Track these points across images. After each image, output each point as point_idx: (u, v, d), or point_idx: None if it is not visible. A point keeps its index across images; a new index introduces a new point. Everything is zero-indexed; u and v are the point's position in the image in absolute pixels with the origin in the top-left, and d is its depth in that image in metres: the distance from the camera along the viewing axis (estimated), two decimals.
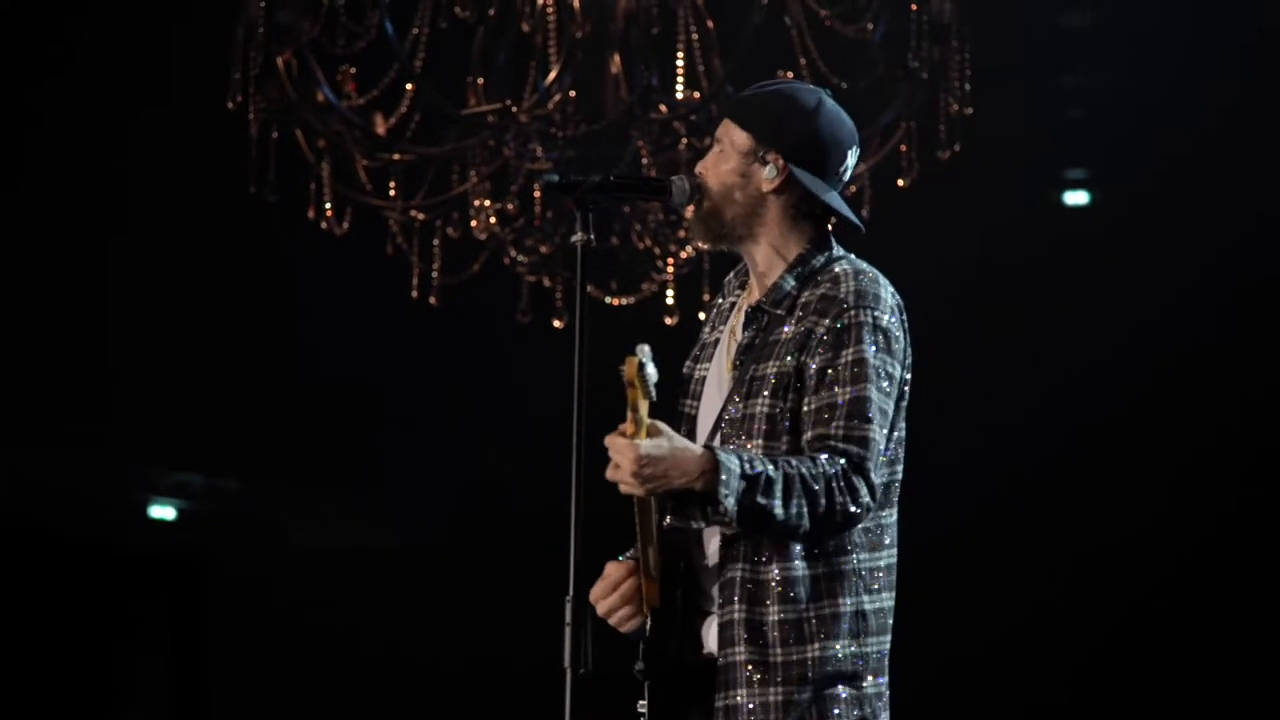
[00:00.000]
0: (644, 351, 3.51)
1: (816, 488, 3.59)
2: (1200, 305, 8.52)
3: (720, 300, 4.09)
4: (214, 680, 9.57)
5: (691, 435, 3.86)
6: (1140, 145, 8.52)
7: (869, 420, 3.67)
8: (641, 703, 3.82)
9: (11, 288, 8.65)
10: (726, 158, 3.88)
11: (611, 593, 3.85)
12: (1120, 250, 8.69)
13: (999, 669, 8.55)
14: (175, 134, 8.31)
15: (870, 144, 7.06)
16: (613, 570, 3.88)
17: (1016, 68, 8.27)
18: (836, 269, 3.80)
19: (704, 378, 3.94)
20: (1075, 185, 9.17)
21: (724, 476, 3.55)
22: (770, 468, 3.59)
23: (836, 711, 3.70)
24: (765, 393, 3.74)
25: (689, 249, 7.26)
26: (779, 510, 3.57)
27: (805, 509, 3.59)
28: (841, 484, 3.62)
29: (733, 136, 3.88)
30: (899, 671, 3.85)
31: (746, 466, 3.57)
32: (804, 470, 3.60)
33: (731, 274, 4.08)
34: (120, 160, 8.49)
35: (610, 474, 3.60)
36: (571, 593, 3.68)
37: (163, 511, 9.77)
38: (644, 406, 3.54)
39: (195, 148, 8.22)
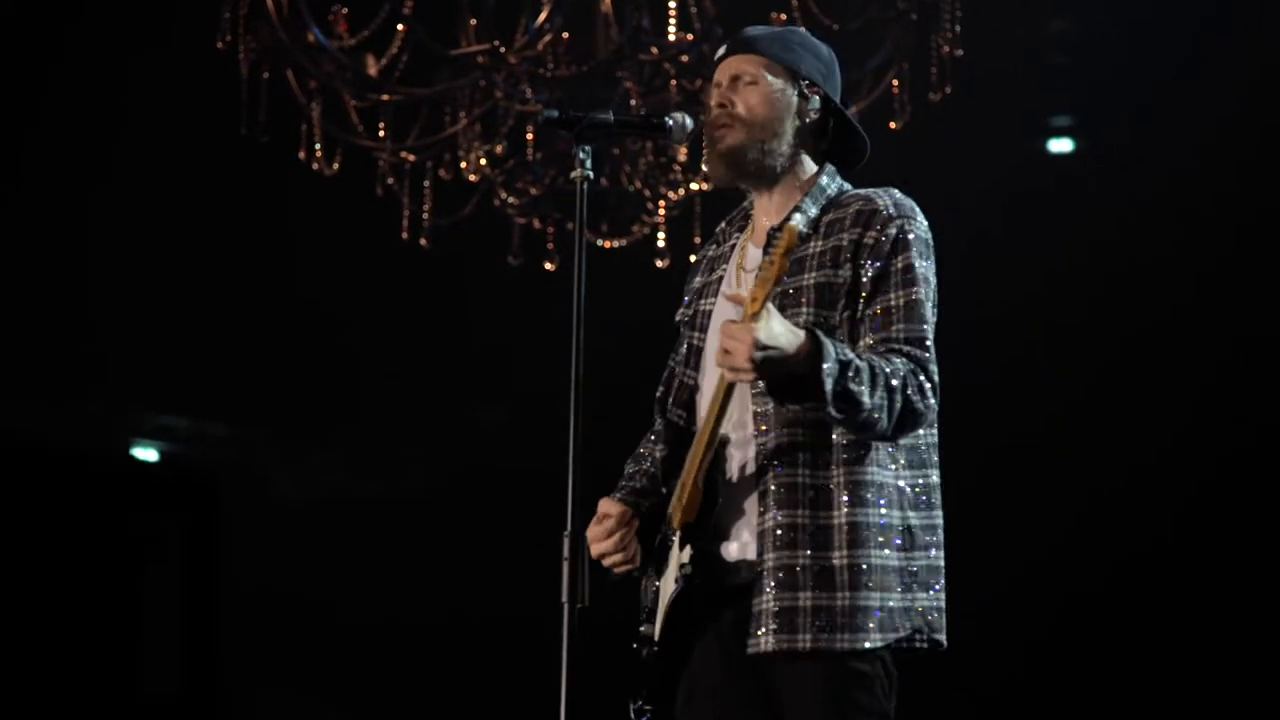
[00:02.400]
0: (800, 220, 3.66)
1: (894, 383, 3.69)
2: (1186, 256, 8.53)
3: (710, 249, 4.16)
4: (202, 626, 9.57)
5: (699, 366, 3.99)
6: (1126, 94, 8.51)
7: (925, 322, 3.82)
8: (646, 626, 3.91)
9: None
10: (762, 89, 3.96)
11: (607, 538, 3.93)
12: (1106, 198, 8.69)
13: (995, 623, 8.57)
14: (163, 74, 8.27)
15: (861, 86, 7.09)
16: (612, 512, 3.95)
17: (1003, 13, 8.24)
18: (861, 190, 3.96)
19: (709, 311, 4.01)
20: (1060, 133, 9.17)
21: (824, 357, 3.60)
22: (857, 357, 3.67)
23: (885, 616, 3.78)
24: (806, 303, 3.83)
25: (680, 191, 7.28)
26: (866, 398, 3.65)
27: (885, 401, 3.68)
28: (913, 381, 3.73)
29: (760, 70, 3.96)
30: None
31: (839, 351, 3.64)
32: (883, 365, 3.70)
33: (724, 222, 4.17)
34: (108, 101, 8.45)
35: (720, 360, 3.62)
36: (569, 528, 3.70)
37: (145, 454, 9.74)
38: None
39: (183, 87, 8.18)
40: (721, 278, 4.03)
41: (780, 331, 3.58)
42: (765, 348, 3.55)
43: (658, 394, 4.13)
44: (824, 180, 3.98)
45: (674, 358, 4.12)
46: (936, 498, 3.88)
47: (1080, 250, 8.68)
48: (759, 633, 3.77)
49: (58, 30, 8.31)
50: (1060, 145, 9.21)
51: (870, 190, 3.93)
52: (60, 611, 8.84)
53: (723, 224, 4.17)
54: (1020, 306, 8.67)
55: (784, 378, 3.62)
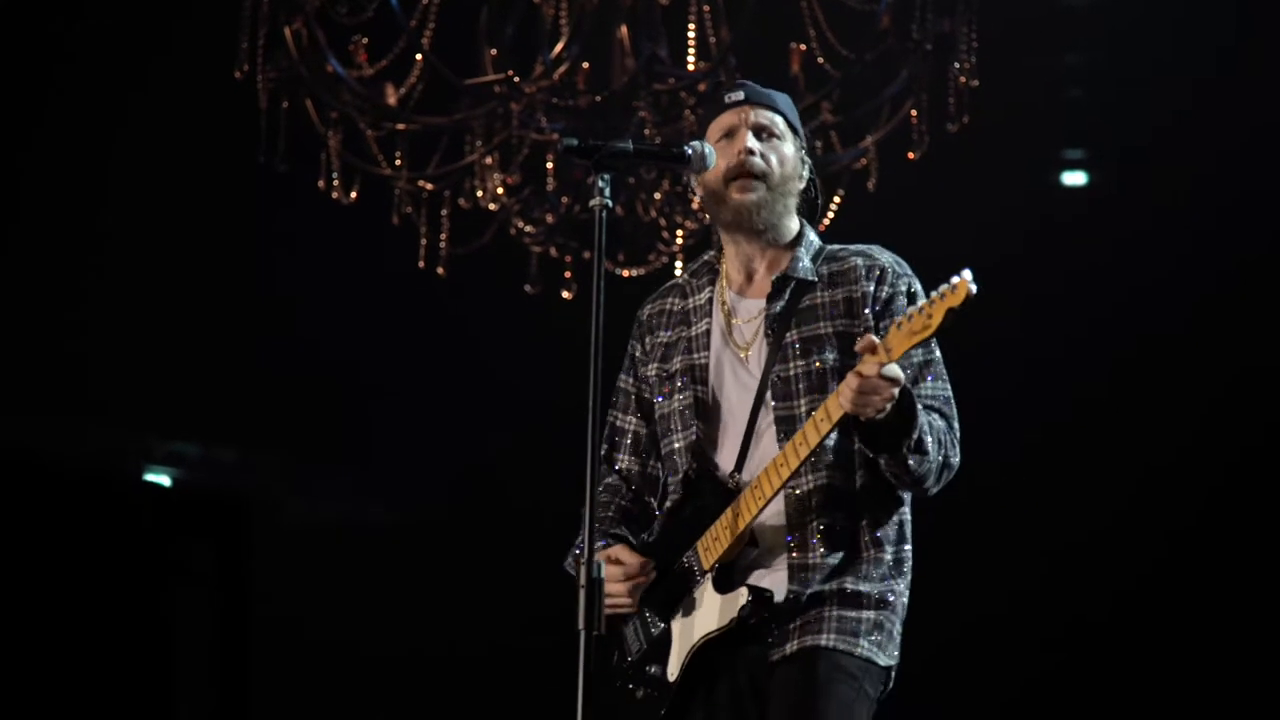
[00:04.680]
0: (970, 279, 3.53)
1: (943, 438, 3.87)
2: (1196, 289, 8.55)
3: (671, 302, 4.22)
4: (209, 652, 9.57)
5: (706, 415, 4.06)
6: (1139, 128, 8.54)
7: (946, 378, 3.98)
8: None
9: (14, 255, 8.64)
10: (786, 146, 4.09)
11: (623, 582, 4.00)
12: (1115, 230, 8.72)
13: (980, 654, 8.57)
14: (180, 99, 8.30)
15: (879, 116, 7.13)
16: (629, 560, 4.01)
17: (1019, 46, 8.27)
18: (851, 246, 4.10)
19: (705, 363, 4.08)
20: (1073, 165, 9.19)
21: (916, 409, 3.75)
22: (922, 413, 3.81)
23: (886, 642, 3.94)
24: (830, 349, 3.95)
25: (694, 221, 7.29)
26: (931, 451, 3.81)
27: (940, 455, 3.84)
28: (948, 439, 3.89)
29: (782, 128, 4.10)
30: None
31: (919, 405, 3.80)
32: (936, 423, 3.86)
33: (686, 275, 4.26)
34: (126, 127, 8.48)
35: (857, 402, 3.67)
36: (586, 556, 3.70)
37: (157, 480, 9.74)
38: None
39: (201, 114, 8.21)
40: (708, 330, 4.11)
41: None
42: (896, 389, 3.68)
43: (603, 450, 4.21)
44: (809, 233, 4.10)
45: (622, 416, 4.22)
46: (909, 569, 4.02)
47: (1090, 280, 8.70)
48: (783, 644, 3.89)
49: (74, 58, 8.35)
50: (1074, 178, 9.23)
51: (861, 246, 4.08)
52: (93, 639, 8.85)
53: (685, 276, 4.25)
54: (1031, 335, 8.69)
55: (877, 425, 3.74)
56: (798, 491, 3.90)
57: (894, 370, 3.64)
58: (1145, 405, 8.70)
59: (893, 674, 3.97)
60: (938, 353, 3.97)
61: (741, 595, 3.87)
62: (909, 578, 4.01)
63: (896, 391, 3.66)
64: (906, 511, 4.02)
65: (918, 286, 4.00)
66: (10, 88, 8.32)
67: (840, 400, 3.69)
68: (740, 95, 4.11)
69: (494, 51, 7.18)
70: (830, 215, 7.30)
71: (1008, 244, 8.55)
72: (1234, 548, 8.65)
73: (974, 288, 3.51)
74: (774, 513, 3.92)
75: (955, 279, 3.52)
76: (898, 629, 3.97)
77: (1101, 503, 8.71)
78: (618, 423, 4.21)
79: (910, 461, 3.77)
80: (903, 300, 3.97)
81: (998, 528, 8.64)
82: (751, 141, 4.04)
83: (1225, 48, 8.24)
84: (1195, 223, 8.44)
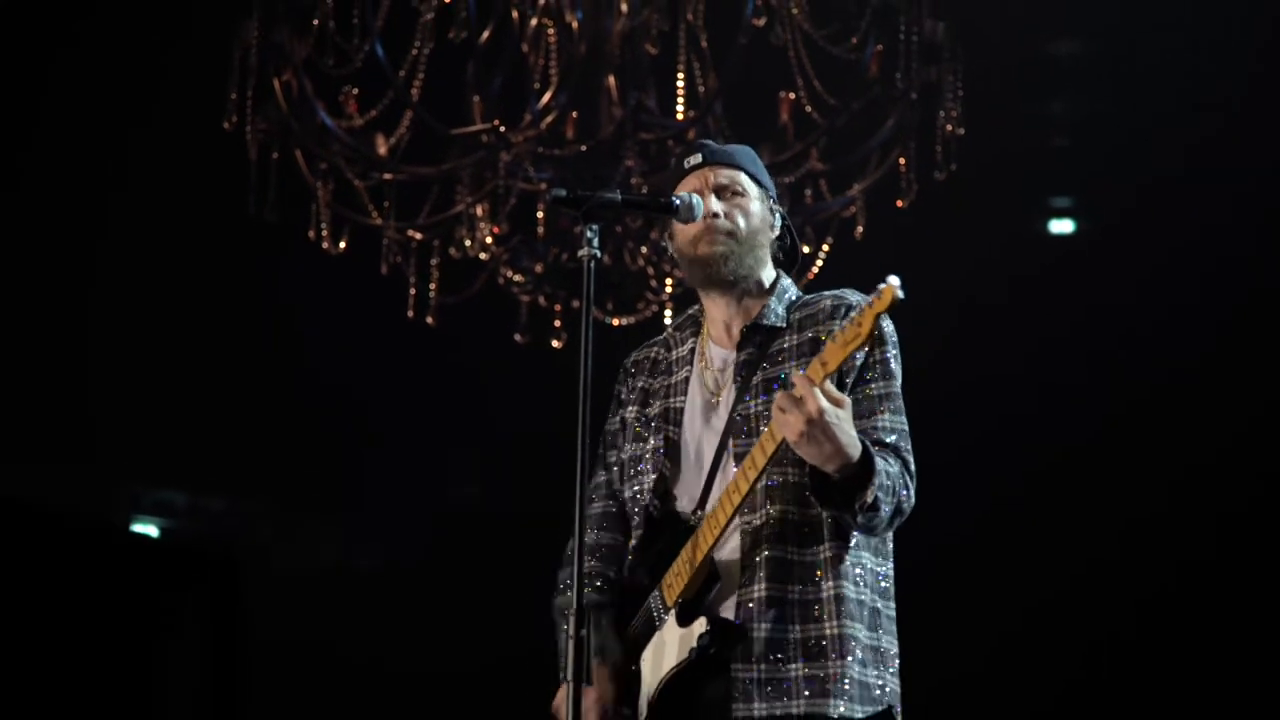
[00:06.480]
0: (896, 284, 3.55)
1: (896, 486, 3.81)
2: (1182, 339, 8.58)
3: (656, 351, 4.26)
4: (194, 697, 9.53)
5: (676, 457, 4.08)
6: (1127, 175, 8.57)
7: (903, 413, 3.95)
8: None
9: (3, 303, 8.64)
10: (750, 201, 4.10)
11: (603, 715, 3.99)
12: (1104, 278, 8.74)
13: (998, 676, 8.56)
14: (166, 154, 8.32)
15: (867, 165, 7.16)
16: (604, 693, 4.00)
17: (1005, 95, 8.31)
18: (825, 292, 4.10)
19: (681, 407, 4.11)
20: (1061, 213, 9.23)
21: (876, 474, 3.70)
22: (879, 468, 3.75)
23: (866, 688, 3.86)
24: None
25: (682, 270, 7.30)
26: (885, 509, 3.76)
27: (891, 509, 3.79)
28: (901, 483, 3.83)
29: (745, 184, 4.11)
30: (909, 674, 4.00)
31: (880, 469, 3.74)
32: (891, 472, 3.80)
33: (672, 328, 4.29)
34: (117, 176, 8.50)
35: (781, 412, 3.63)
36: (574, 605, 3.70)
37: (145, 529, 9.73)
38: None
39: (187, 166, 8.23)
40: (686, 378, 4.13)
41: (844, 425, 3.65)
42: (824, 427, 3.61)
43: (591, 483, 4.23)
44: (784, 283, 4.12)
45: (612, 462, 4.23)
46: (892, 589, 4.00)
47: (1079, 328, 8.72)
48: (748, 700, 3.83)
49: (67, 107, 8.37)
50: (1061, 226, 9.26)
51: (835, 290, 4.07)
52: (80, 691, 8.81)
53: (671, 330, 4.28)
54: (1019, 383, 8.71)
55: (827, 479, 3.71)
56: (752, 524, 3.88)
57: (811, 405, 3.58)
58: (1134, 451, 8.71)
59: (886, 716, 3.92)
60: (897, 387, 3.94)
61: (700, 625, 3.86)
62: (887, 628, 3.95)
63: (817, 413, 3.58)
64: (886, 565, 3.99)
65: (887, 326, 3.93)
66: (2, 137, 8.35)
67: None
68: (698, 158, 4.13)
69: (478, 100, 7.20)
70: (819, 263, 7.35)
71: (996, 292, 8.59)
72: (1236, 581, 8.66)
73: (900, 293, 3.53)
74: (734, 547, 3.90)
75: (881, 285, 3.55)
76: (875, 675, 3.89)
77: (1080, 556, 8.71)
78: (609, 458, 4.24)
79: (860, 519, 3.76)
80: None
81: (995, 563, 8.64)
82: (715, 204, 4.05)
83: (1214, 95, 8.28)
84: (1185, 270, 8.46)
